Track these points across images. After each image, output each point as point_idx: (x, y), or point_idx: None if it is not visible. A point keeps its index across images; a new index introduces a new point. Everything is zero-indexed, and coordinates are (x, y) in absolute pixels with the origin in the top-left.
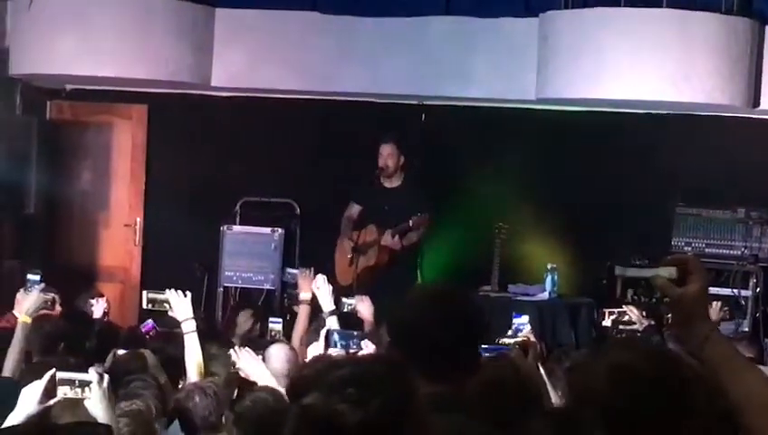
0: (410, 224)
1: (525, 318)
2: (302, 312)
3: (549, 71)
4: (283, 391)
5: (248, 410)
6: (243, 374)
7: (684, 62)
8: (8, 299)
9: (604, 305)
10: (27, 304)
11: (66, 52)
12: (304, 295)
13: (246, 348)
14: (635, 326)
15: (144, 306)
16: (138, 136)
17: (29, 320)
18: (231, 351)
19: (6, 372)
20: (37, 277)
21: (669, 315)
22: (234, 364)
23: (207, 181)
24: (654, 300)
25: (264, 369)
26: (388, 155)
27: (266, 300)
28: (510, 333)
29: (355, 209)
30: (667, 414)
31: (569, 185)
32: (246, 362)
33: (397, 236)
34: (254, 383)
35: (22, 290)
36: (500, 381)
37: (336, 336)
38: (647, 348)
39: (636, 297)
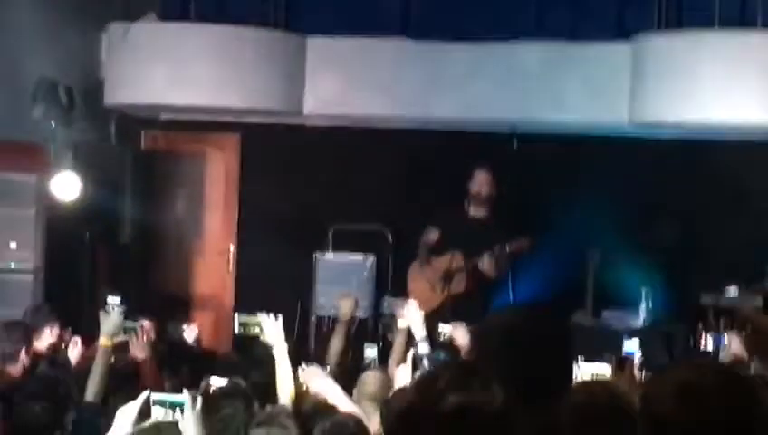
0: (507, 249)
1: (636, 341)
2: (399, 340)
3: (642, 95)
4: (362, 413)
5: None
6: (312, 391)
7: None
8: None
9: (699, 332)
10: (107, 326)
11: (159, 81)
12: (402, 324)
13: (315, 364)
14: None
15: (236, 330)
16: (230, 165)
17: (109, 343)
18: (299, 368)
19: (89, 397)
20: (117, 299)
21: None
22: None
23: (300, 209)
24: (749, 328)
25: (333, 384)
26: (483, 181)
27: (359, 327)
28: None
29: (433, 235)
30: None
31: (662, 209)
32: (314, 378)
33: (493, 261)
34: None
35: (102, 312)
36: (593, 405)
37: (425, 361)
38: (714, 366)
39: (727, 326)
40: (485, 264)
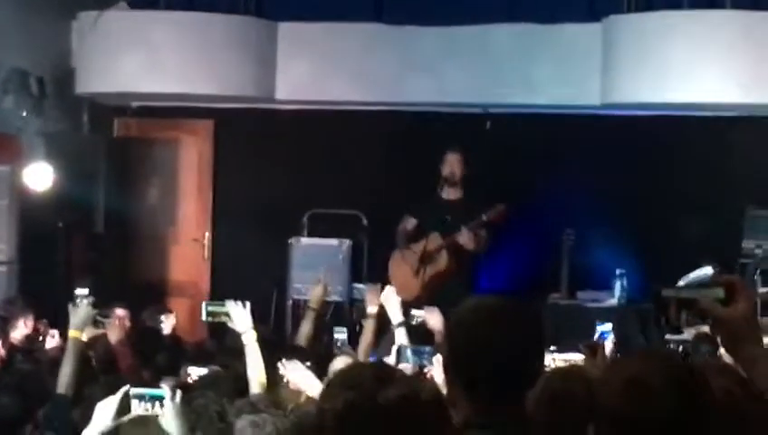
0: (484, 218)
1: (609, 326)
2: (368, 326)
3: (613, 76)
4: None
5: (293, 426)
6: (293, 386)
7: (749, 63)
8: None
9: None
10: (76, 319)
11: (131, 69)
12: (371, 309)
13: (295, 360)
14: (684, 336)
15: (204, 319)
16: (204, 151)
17: (79, 335)
18: (279, 364)
19: (60, 389)
20: (85, 291)
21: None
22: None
23: (274, 194)
24: (710, 321)
25: (314, 379)
26: (454, 162)
27: (335, 312)
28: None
29: (410, 222)
30: (679, 426)
31: (636, 189)
32: (295, 373)
33: (472, 234)
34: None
35: (70, 305)
36: (568, 393)
37: (408, 352)
38: (664, 359)
39: (689, 318)
40: (464, 237)
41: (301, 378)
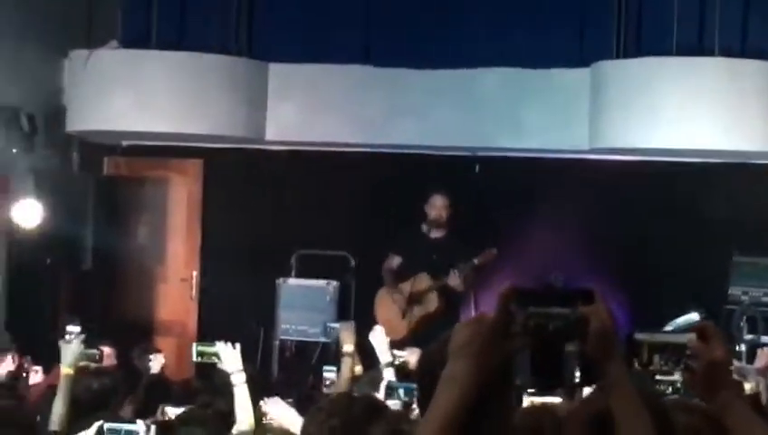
0: (475, 262)
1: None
2: (345, 365)
3: (601, 120)
4: None
5: None
6: (276, 423)
7: (736, 109)
8: None
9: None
10: (68, 356)
11: (121, 108)
12: (347, 348)
13: (276, 397)
14: (675, 377)
15: (194, 359)
16: (193, 190)
17: (71, 371)
18: (261, 399)
19: (53, 426)
20: (77, 328)
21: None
22: (265, 414)
23: (263, 234)
24: (683, 366)
25: (295, 415)
26: (441, 206)
27: (322, 353)
28: None
29: (395, 261)
30: None
31: (623, 234)
32: (277, 409)
33: (462, 276)
34: None
35: (61, 342)
36: (537, 429)
37: (401, 391)
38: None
39: (663, 363)
40: (455, 280)
41: (282, 413)
